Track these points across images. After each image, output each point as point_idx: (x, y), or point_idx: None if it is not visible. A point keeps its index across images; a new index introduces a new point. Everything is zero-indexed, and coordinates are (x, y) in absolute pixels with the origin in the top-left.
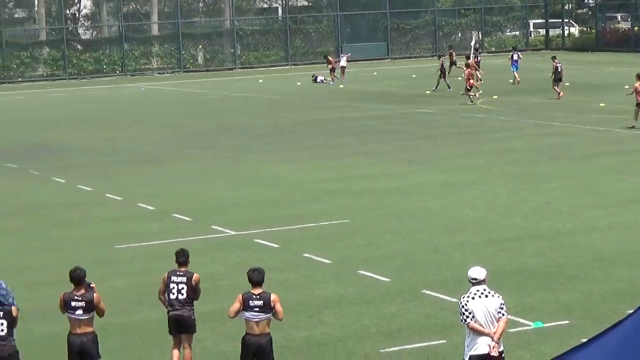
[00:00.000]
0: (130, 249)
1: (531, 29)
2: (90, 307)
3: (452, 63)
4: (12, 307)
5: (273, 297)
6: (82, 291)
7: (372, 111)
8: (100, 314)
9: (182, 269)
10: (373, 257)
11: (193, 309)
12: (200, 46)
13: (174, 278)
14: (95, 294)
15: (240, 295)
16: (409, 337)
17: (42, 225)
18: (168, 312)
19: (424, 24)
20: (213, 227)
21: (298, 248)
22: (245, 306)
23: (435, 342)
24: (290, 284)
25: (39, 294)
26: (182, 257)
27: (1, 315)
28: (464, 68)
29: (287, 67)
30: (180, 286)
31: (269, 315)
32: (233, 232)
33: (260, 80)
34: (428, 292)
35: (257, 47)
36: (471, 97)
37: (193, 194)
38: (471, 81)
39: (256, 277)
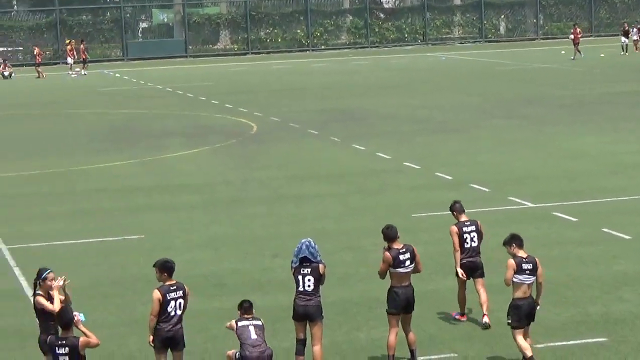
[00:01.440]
0: (427, 218)
1: None
2: (413, 257)
3: (625, 33)
4: (320, 265)
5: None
6: (401, 245)
7: None
8: (418, 267)
9: (467, 219)
10: None
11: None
12: (503, 16)
13: (465, 229)
14: (414, 248)
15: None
16: None
17: (341, 192)
18: (461, 260)
19: None
20: (510, 198)
21: (597, 222)
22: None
23: None
24: (588, 258)
25: (335, 259)
26: (461, 206)
27: (309, 272)
28: None
29: (590, 39)
30: (472, 235)
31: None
32: (531, 204)
33: (563, 52)
34: None
35: (560, 18)
36: None
37: (492, 165)
38: None
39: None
